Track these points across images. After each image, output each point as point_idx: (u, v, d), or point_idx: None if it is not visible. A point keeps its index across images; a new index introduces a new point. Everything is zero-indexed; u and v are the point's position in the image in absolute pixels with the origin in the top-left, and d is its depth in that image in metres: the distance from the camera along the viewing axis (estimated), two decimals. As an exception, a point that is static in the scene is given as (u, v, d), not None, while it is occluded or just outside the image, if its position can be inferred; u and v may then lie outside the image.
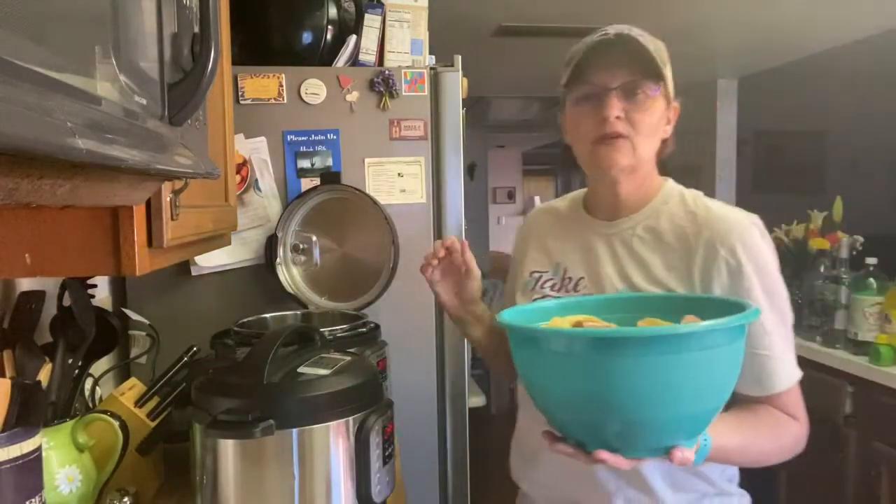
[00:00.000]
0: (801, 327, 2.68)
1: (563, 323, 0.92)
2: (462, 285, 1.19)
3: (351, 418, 1.04)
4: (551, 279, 1.16)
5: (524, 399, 1.17)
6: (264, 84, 1.68)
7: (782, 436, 1.02)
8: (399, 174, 1.74)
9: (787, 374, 1.02)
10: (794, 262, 2.79)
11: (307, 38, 1.73)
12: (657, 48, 1.04)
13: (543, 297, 1.14)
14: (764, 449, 1.02)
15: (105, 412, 1.11)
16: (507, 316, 0.92)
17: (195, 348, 1.33)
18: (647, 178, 1.10)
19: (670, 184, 1.14)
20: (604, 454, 0.81)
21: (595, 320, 0.93)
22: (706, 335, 0.79)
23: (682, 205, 1.09)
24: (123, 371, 1.63)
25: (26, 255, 0.76)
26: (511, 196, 8.86)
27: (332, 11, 1.74)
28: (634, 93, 1.03)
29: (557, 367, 0.83)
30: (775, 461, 1.02)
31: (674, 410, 0.80)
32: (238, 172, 1.65)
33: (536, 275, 1.18)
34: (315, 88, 1.69)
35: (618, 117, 1.03)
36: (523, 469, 1.21)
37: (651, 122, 1.04)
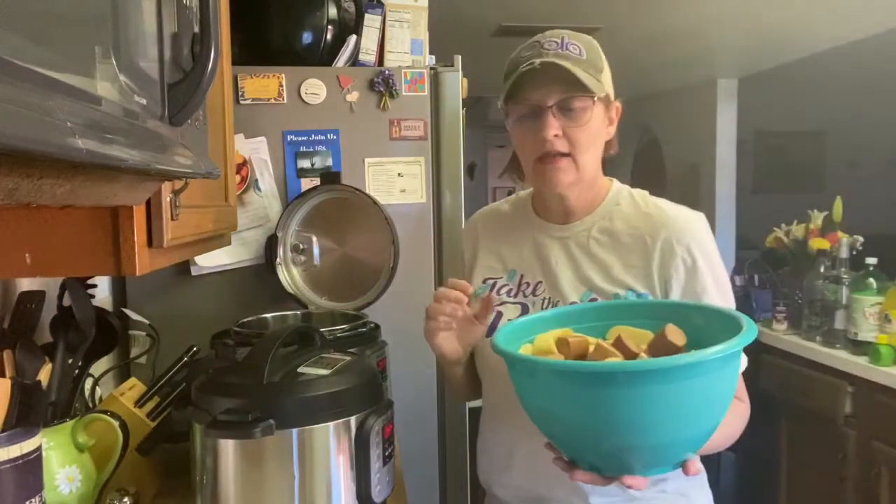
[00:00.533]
0: (801, 327, 2.68)
1: (548, 338, 0.92)
2: (469, 330, 1.09)
3: (351, 418, 1.04)
4: (506, 284, 1.16)
5: (490, 408, 1.19)
6: (264, 84, 1.68)
7: (738, 418, 1.06)
8: (399, 174, 1.74)
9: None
10: (794, 262, 2.79)
11: (307, 38, 1.73)
12: (590, 53, 1.05)
13: (502, 303, 1.14)
14: (728, 433, 1.05)
15: (105, 412, 1.11)
16: (500, 340, 0.89)
17: (195, 348, 1.33)
18: (594, 182, 1.12)
19: (617, 184, 1.16)
20: (627, 479, 0.82)
21: (574, 335, 0.92)
22: (700, 364, 0.77)
23: (633, 205, 1.12)
24: (123, 371, 1.63)
25: (26, 255, 0.76)
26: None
27: (332, 11, 1.74)
28: (570, 108, 1.03)
29: (555, 396, 0.83)
30: (731, 443, 1.07)
31: (679, 433, 0.81)
32: (238, 172, 1.65)
33: (490, 281, 1.17)
34: (315, 88, 1.69)
35: (556, 135, 1.03)
36: (496, 474, 1.18)
37: (591, 134, 1.05)
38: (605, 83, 1.06)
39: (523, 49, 1.07)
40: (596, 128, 1.06)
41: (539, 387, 0.85)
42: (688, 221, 1.09)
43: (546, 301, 1.12)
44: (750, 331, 0.81)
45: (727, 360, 0.81)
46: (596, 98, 1.04)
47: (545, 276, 1.13)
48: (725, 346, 0.77)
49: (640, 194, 1.15)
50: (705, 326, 0.88)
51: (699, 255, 1.07)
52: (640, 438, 0.80)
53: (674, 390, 0.77)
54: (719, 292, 1.08)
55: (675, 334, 0.86)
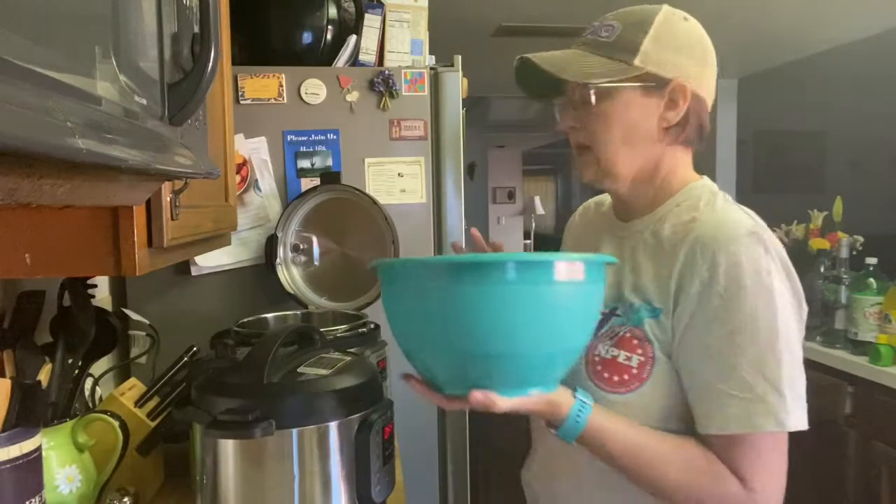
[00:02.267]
0: (801, 327, 2.68)
1: None
2: None
3: (351, 418, 1.04)
4: None
5: None
6: (264, 84, 1.68)
7: (697, 477, 0.85)
8: (399, 174, 1.74)
9: (739, 417, 0.83)
10: (794, 262, 2.78)
11: (307, 38, 1.73)
12: (627, 31, 0.91)
13: None
14: (661, 471, 0.86)
15: (105, 412, 1.11)
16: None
17: (195, 348, 1.33)
18: (653, 178, 0.96)
19: (697, 184, 0.98)
20: (476, 393, 0.79)
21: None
22: (542, 265, 0.79)
23: (693, 207, 0.94)
24: (123, 371, 1.63)
25: (26, 255, 0.76)
26: (511, 196, 8.85)
27: (332, 11, 1.74)
28: (577, 100, 0.94)
29: (411, 298, 0.85)
30: (679, 500, 0.86)
31: (511, 346, 0.80)
32: (238, 172, 1.65)
33: None
34: (315, 88, 1.69)
35: (573, 127, 0.96)
36: (527, 469, 1.14)
37: (613, 124, 0.92)
38: (641, 63, 0.89)
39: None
40: (627, 117, 0.92)
41: (398, 292, 0.87)
42: (730, 230, 0.87)
43: None
44: (602, 259, 0.84)
45: (586, 275, 0.81)
46: (602, 84, 0.90)
47: None
48: (573, 255, 0.81)
49: (713, 196, 0.96)
50: None
51: (723, 273, 0.84)
52: (484, 346, 0.80)
53: (516, 292, 0.78)
54: (724, 345, 0.84)
55: None
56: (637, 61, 0.90)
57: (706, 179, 1.00)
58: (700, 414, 0.87)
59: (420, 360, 0.88)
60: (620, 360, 0.91)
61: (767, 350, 0.83)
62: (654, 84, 0.91)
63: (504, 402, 0.81)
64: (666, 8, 0.93)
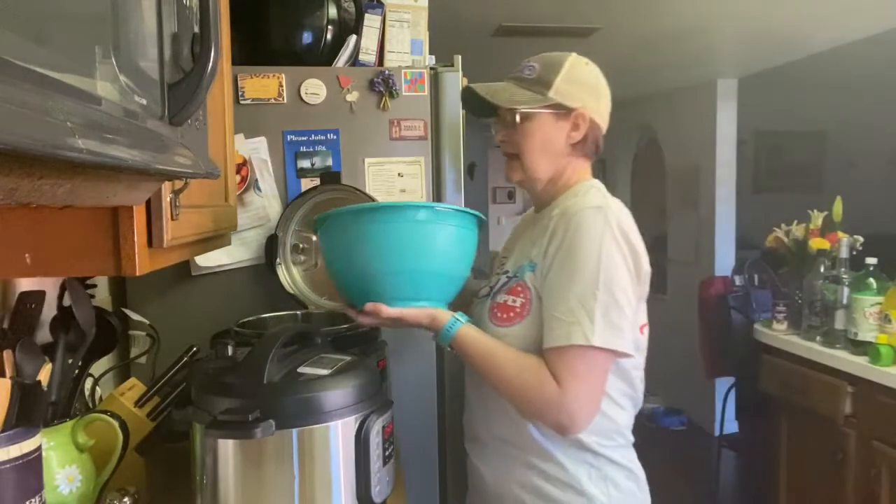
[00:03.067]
0: (801, 327, 2.68)
1: None
2: None
3: (351, 418, 1.04)
4: (502, 259, 1.36)
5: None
6: (264, 84, 1.68)
7: (528, 377, 1.11)
8: (399, 174, 1.74)
9: (561, 335, 1.09)
10: (794, 262, 2.79)
11: (307, 38, 1.73)
12: (545, 70, 1.22)
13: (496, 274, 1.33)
14: (504, 373, 1.14)
15: (105, 412, 1.11)
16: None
17: (195, 348, 1.33)
18: (558, 180, 1.26)
19: (587, 182, 1.26)
20: (369, 304, 1.17)
21: None
22: (407, 210, 1.20)
23: (575, 195, 1.22)
24: (123, 371, 1.63)
25: (26, 255, 0.76)
26: (511, 196, 8.85)
27: (332, 11, 1.74)
28: (507, 120, 1.24)
29: (334, 235, 1.23)
30: (515, 397, 1.14)
31: (391, 265, 1.17)
32: (238, 172, 1.65)
33: (500, 258, 1.38)
34: (315, 88, 1.69)
35: (504, 140, 1.26)
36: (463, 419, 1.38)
37: (533, 140, 1.22)
38: (553, 95, 1.20)
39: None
40: (542, 135, 1.22)
41: (328, 232, 1.24)
42: (585, 203, 1.16)
43: (499, 275, 1.29)
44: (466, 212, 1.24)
45: (435, 216, 1.20)
46: (523, 110, 1.21)
47: (510, 255, 1.31)
48: (430, 203, 1.24)
49: (591, 188, 1.24)
50: None
51: (570, 235, 1.12)
52: (377, 265, 1.17)
53: (395, 227, 1.16)
54: (566, 269, 1.12)
55: None
56: (550, 94, 1.21)
57: (595, 181, 1.27)
58: (543, 336, 1.13)
59: (343, 283, 1.25)
60: (509, 303, 1.21)
61: (588, 290, 1.10)
62: (563, 111, 1.22)
63: (389, 310, 1.17)
64: (574, 55, 1.25)
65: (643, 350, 1.22)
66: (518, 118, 1.22)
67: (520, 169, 1.26)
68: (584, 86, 1.23)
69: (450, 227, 1.20)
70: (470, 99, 1.29)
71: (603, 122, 1.27)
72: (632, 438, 1.25)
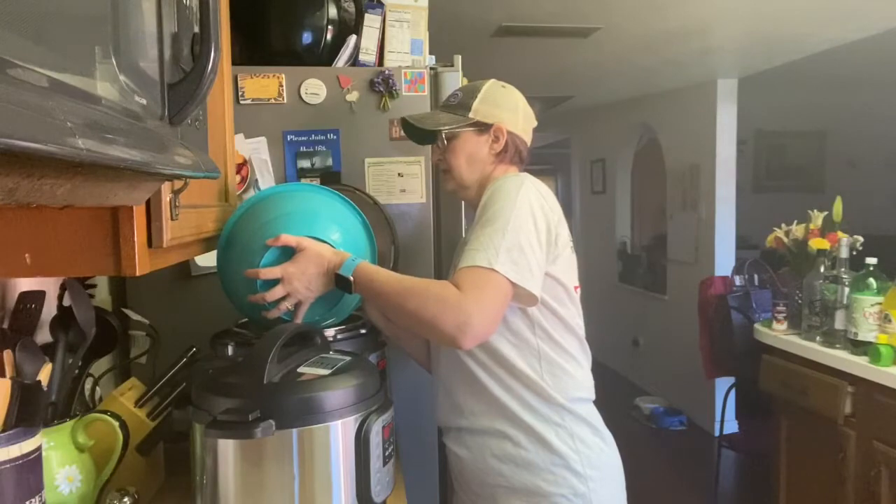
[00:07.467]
0: (801, 327, 2.68)
1: None
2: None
3: (351, 418, 1.04)
4: None
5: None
6: (264, 84, 1.68)
7: (432, 287, 1.21)
8: (399, 174, 1.74)
9: (467, 258, 1.22)
10: (794, 262, 2.79)
11: (307, 38, 1.73)
12: (465, 96, 1.41)
13: None
14: (410, 287, 1.21)
15: (105, 412, 1.11)
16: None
17: (195, 348, 1.33)
18: (485, 184, 1.40)
19: (512, 174, 1.39)
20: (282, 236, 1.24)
21: None
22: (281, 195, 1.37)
23: (499, 180, 1.36)
24: (123, 371, 1.63)
25: (26, 255, 0.76)
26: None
27: (332, 11, 1.74)
28: (439, 145, 1.42)
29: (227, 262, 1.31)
30: (419, 308, 1.19)
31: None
32: (238, 172, 1.65)
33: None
34: (315, 88, 1.69)
35: (439, 159, 1.45)
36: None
37: (460, 155, 1.41)
38: (472, 115, 1.39)
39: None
40: (467, 149, 1.40)
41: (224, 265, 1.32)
42: (507, 174, 1.38)
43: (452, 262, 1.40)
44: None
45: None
46: (446, 130, 1.39)
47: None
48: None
49: (517, 176, 1.36)
50: None
51: (491, 194, 1.29)
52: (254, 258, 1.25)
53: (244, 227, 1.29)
54: (483, 214, 1.27)
55: None
56: (471, 114, 1.40)
57: (523, 173, 1.40)
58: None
59: (243, 291, 1.27)
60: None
61: (499, 230, 1.23)
62: (483, 128, 1.40)
63: (290, 237, 1.24)
64: (492, 81, 1.44)
65: (578, 306, 1.37)
66: (445, 138, 1.40)
67: (452, 180, 1.44)
68: (501, 104, 1.41)
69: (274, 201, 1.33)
70: (408, 128, 1.46)
71: (524, 133, 1.44)
72: (593, 395, 1.37)
